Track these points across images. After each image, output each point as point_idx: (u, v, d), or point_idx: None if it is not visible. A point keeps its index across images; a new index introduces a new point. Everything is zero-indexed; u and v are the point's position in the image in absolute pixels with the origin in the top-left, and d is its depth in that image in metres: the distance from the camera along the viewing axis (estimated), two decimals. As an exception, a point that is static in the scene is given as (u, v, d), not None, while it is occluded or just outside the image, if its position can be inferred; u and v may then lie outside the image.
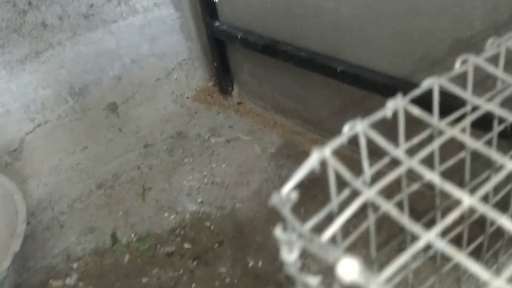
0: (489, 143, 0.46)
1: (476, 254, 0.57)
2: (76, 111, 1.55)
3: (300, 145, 1.45)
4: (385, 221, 0.66)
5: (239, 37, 1.45)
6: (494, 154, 0.31)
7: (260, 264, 1.11)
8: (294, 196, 0.31)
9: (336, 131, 1.40)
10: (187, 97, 1.69)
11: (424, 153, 0.33)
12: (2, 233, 1.14)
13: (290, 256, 0.27)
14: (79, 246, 1.26)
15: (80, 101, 1.56)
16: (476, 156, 0.42)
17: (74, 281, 1.17)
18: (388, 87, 1.12)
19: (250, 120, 1.58)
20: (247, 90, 1.63)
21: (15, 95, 1.44)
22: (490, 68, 0.39)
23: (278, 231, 0.28)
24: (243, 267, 1.13)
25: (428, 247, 0.30)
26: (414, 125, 0.42)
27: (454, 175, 0.45)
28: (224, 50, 1.61)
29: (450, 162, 0.42)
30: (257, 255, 1.14)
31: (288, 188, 0.31)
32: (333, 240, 0.29)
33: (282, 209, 0.30)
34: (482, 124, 0.52)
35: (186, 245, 1.22)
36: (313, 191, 1.22)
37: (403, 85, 1.07)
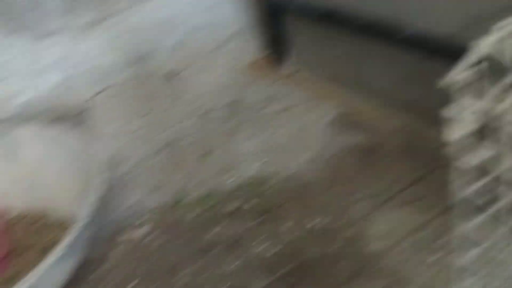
0: None
1: None
2: (136, 79, 1.60)
3: (357, 114, 1.46)
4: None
5: (296, 5, 1.47)
6: None
7: (325, 221, 1.14)
8: (467, 75, 0.32)
9: (395, 100, 1.41)
10: (243, 66, 1.72)
11: None
12: (79, 189, 1.20)
13: (462, 131, 0.29)
14: (147, 203, 1.31)
15: (139, 69, 1.61)
16: None
17: (144, 233, 1.23)
18: (452, 53, 1.12)
19: (306, 89, 1.60)
20: (304, 59, 1.65)
21: (79, 60, 1.49)
22: None
23: (449, 110, 0.30)
24: (308, 224, 1.16)
25: None
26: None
27: None
28: (280, 19, 1.63)
29: None
30: (322, 213, 1.17)
31: (460, 70, 0.33)
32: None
33: (455, 88, 0.32)
34: None
35: (248, 205, 1.26)
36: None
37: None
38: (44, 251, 1.15)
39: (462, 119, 0.31)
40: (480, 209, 0.44)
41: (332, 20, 1.39)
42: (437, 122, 0.42)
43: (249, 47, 1.75)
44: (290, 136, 1.42)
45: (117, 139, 1.49)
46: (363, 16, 1.31)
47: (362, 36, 1.35)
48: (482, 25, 1.04)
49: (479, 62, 0.34)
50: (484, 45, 0.36)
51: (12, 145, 1.32)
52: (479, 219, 0.46)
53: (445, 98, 0.37)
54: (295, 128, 1.45)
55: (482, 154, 0.30)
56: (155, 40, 1.62)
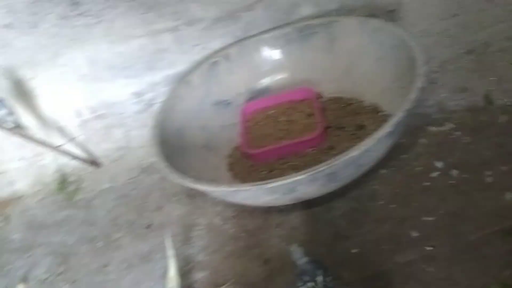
0: None
1: None
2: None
3: None
4: None
5: None
6: None
7: None
8: None
9: None
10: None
11: None
12: (390, 79, 1.29)
13: None
14: (452, 102, 1.33)
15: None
16: None
17: (450, 129, 1.26)
18: None
19: None
20: None
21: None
22: None
23: None
24: None
25: None
26: None
27: None
28: None
29: None
30: None
31: None
32: None
33: None
34: None
35: None
36: None
37: None
38: (357, 129, 1.31)
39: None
40: None
41: None
42: None
43: None
44: None
45: (425, 37, 1.50)
46: None
47: None
48: None
49: None
50: None
51: (330, 37, 1.47)
52: None
53: None
54: None
55: None
56: None
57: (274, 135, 1.41)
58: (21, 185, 1.72)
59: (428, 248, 1.04)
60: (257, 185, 1.05)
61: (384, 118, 1.26)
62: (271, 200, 1.13)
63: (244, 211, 1.31)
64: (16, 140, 1.54)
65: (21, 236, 1.54)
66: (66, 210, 1.58)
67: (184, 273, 1.20)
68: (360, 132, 1.30)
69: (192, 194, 1.43)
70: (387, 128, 1.02)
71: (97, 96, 1.60)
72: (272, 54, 1.53)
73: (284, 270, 1.12)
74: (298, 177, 1.01)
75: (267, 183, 1.03)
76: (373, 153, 1.10)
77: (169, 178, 1.16)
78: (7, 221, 1.61)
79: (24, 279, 1.38)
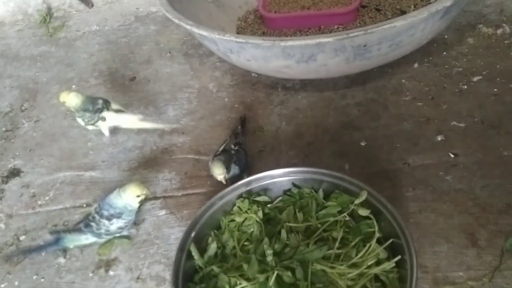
0: None
1: None
2: None
3: None
4: None
5: None
6: None
7: None
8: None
9: None
10: None
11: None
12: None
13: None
14: (506, 5, 1.11)
15: None
16: None
17: (504, 34, 1.06)
18: None
19: None
20: None
21: None
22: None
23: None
24: None
25: None
26: None
27: None
28: None
29: None
30: None
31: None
32: None
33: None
34: None
35: None
36: None
37: None
38: (396, 14, 1.11)
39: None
40: None
41: None
42: None
43: None
44: None
45: None
46: None
47: None
48: None
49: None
50: None
51: None
52: None
53: None
54: None
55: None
56: None
57: (299, 2, 1.19)
58: (1, 11, 1.51)
59: (450, 155, 0.88)
60: (271, 40, 0.86)
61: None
62: (282, 67, 0.94)
63: (245, 81, 1.14)
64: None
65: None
66: (45, 46, 1.39)
67: (163, 133, 1.05)
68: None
69: (189, 54, 1.24)
70: (434, 7, 0.82)
71: None
72: None
73: (276, 148, 0.97)
74: (324, 39, 0.82)
75: (284, 40, 0.85)
76: (414, 35, 0.90)
77: (169, 19, 0.97)
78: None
79: (-15, 108, 1.22)
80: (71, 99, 0.97)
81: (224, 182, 0.83)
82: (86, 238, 0.83)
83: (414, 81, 1.03)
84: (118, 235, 0.85)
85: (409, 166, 0.88)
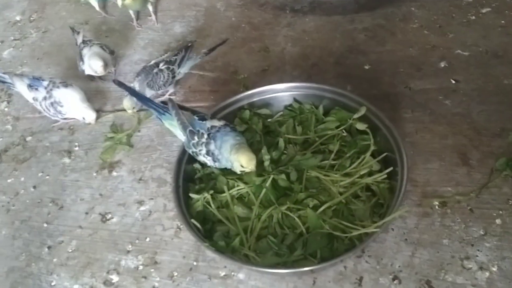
0: None
1: None
2: None
3: None
4: None
5: None
6: None
7: None
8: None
9: None
10: None
11: None
12: None
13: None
14: None
15: None
16: None
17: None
18: None
19: None
20: None
21: None
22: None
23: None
24: None
25: None
26: None
27: None
28: None
29: None
30: None
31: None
32: None
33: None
34: None
35: None
36: None
37: None
38: None
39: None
40: None
41: None
42: None
43: None
44: None
45: None
46: None
47: None
48: None
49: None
50: None
51: None
52: None
53: None
54: None
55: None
56: None
57: None
58: None
59: (452, 81, 0.89)
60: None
61: None
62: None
63: (253, 1, 1.13)
64: None
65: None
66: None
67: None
68: None
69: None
70: None
71: None
72: None
73: (280, 68, 0.98)
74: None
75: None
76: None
77: None
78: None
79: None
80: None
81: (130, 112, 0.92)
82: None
83: (424, 9, 1.03)
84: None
85: (410, 90, 0.89)
